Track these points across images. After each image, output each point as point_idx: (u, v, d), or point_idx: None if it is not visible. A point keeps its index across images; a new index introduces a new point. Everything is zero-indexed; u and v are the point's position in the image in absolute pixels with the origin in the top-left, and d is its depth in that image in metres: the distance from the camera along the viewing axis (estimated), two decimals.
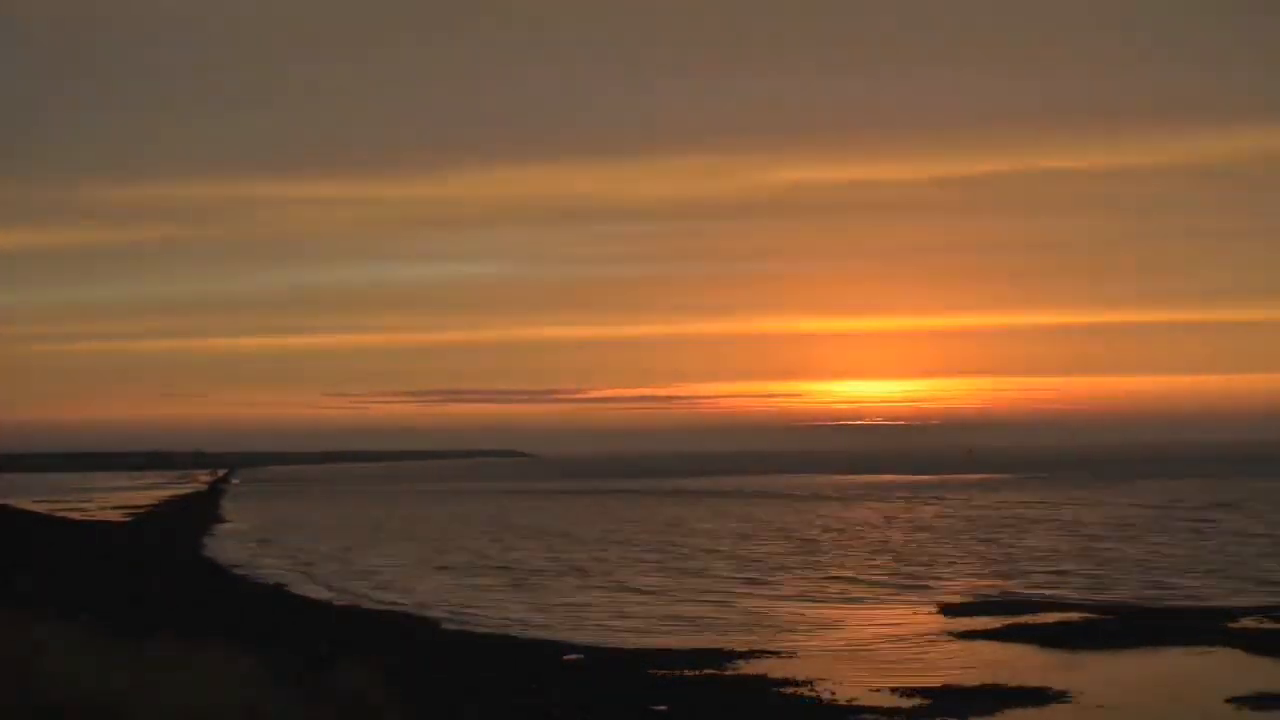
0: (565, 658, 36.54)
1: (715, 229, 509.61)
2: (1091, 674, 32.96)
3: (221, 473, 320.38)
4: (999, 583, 55.42)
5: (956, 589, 53.69)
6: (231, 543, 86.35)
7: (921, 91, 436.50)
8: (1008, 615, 43.99)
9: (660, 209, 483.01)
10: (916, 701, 29.74)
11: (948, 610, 46.23)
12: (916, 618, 44.70)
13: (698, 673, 33.44)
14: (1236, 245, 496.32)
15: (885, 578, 58.23)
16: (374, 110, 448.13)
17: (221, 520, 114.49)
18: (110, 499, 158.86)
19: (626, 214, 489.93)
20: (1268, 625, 40.50)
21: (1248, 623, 41.08)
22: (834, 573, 60.47)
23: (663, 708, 28.46)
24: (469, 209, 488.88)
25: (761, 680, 32.61)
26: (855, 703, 29.78)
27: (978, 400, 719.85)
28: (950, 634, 40.44)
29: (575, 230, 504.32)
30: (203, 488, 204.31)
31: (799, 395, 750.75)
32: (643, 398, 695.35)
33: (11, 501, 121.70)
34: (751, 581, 57.37)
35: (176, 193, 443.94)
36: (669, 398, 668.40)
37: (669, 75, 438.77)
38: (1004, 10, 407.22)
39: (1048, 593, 50.90)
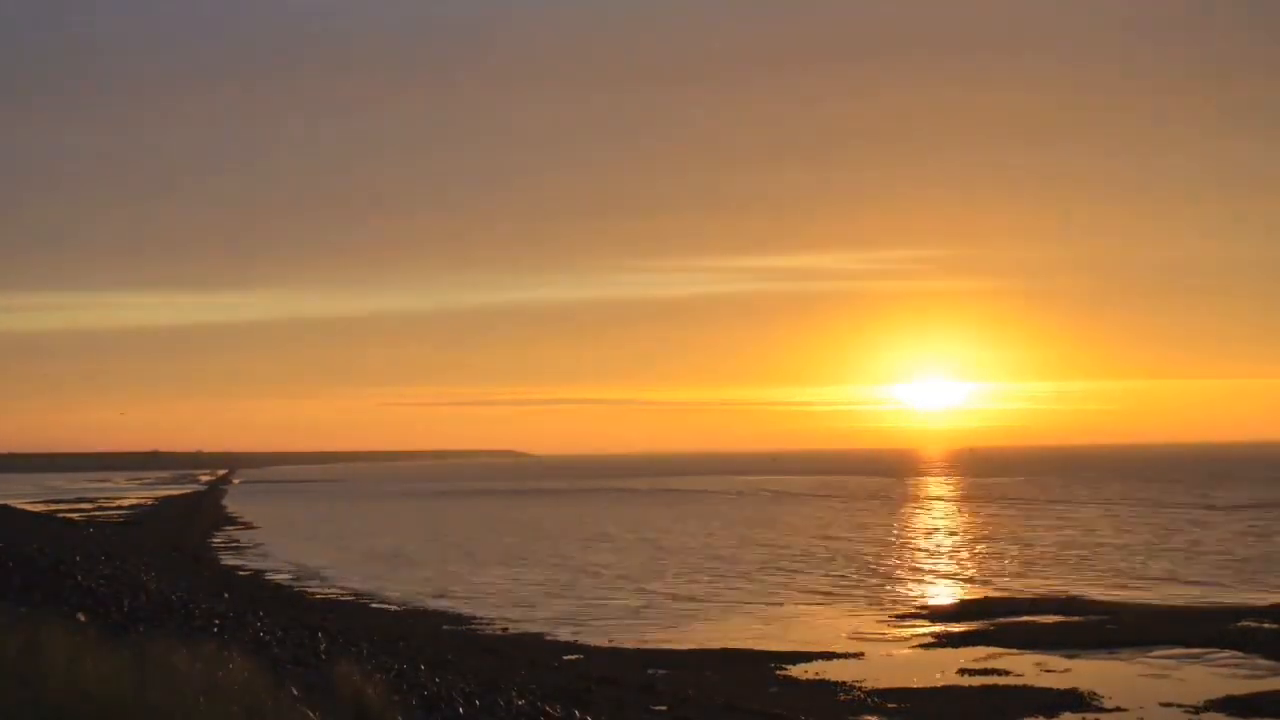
0: (565, 657, 36.54)
1: None
2: (1089, 675, 32.94)
3: (222, 473, 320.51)
4: (996, 583, 55.43)
5: (953, 590, 53.73)
6: (233, 541, 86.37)
7: None
8: (1005, 616, 44.00)
9: None
10: (916, 703, 29.73)
11: (946, 612, 46.24)
12: (915, 619, 44.67)
13: (697, 673, 33.45)
14: None
15: (881, 579, 58.25)
16: None
17: (223, 519, 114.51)
18: (109, 499, 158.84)
19: None
20: (1268, 625, 40.46)
21: (1248, 623, 41.04)
22: (828, 573, 60.47)
23: (662, 708, 28.45)
24: None
25: (761, 680, 32.61)
26: (855, 704, 29.79)
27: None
28: (949, 635, 40.42)
29: None
30: (202, 488, 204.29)
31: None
32: None
33: (10, 502, 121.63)
34: (747, 582, 57.35)
35: None
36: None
37: None
38: None
39: (1045, 593, 50.84)
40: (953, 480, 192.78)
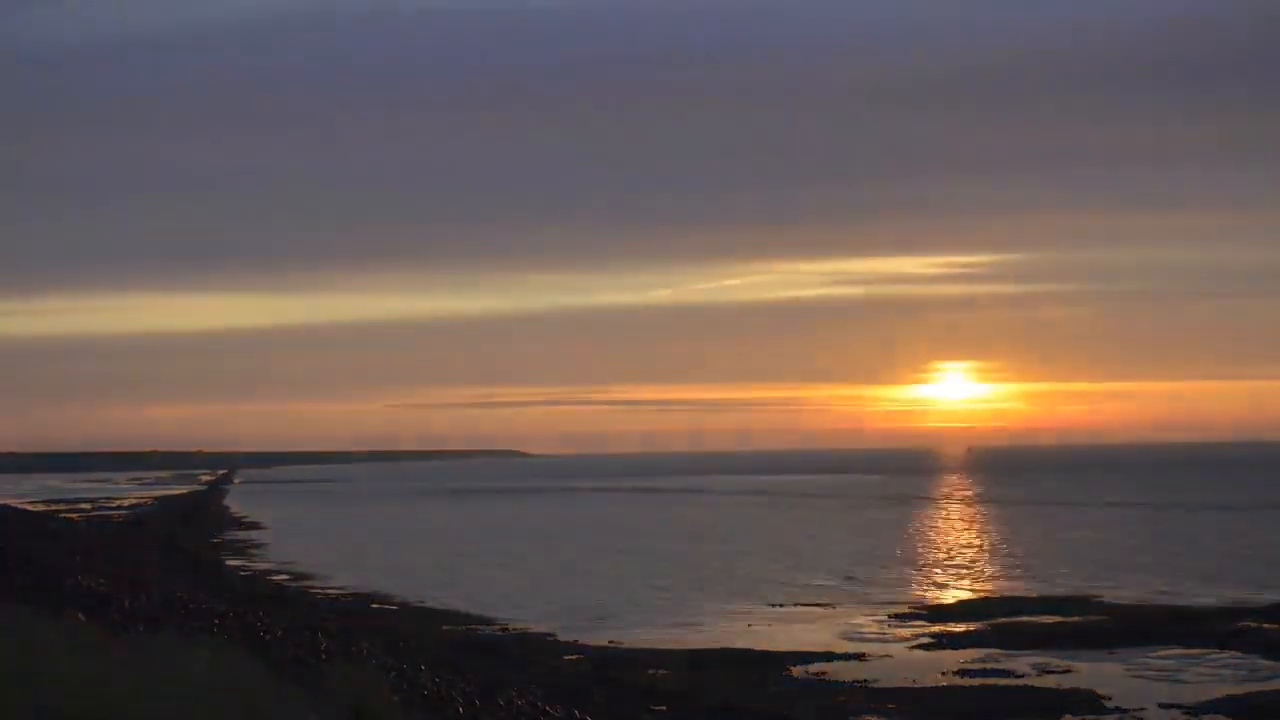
0: (565, 657, 36.55)
1: None
2: (1089, 675, 32.94)
3: (222, 472, 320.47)
4: (996, 583, 55.46)
5: (953, 590, 53.74)
6: (234, 541, 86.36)
7: None
8: (1005, 616, 44.00)
9: None
10: (916, 703, 29.73)
11: (946, 612, 46.24)
12: (915, 619, 44.64)
13: (697, 673, 33.44)
14: None
15: (882, 579, 58.24)
16: None
17: (224, 519, 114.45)
18: (109, 499, 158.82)
19: None
20: (1268, 625, 40.45)
21: (1248, 623, 41.03)
22: (829, 573, 60.46)
23: (662, 708, 28.47)
24: None
25: (761, 680, 32.60)
26: (855, 704, 29.77)
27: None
28: (949, 635, 40.42)
29: None
30: (203, 488, 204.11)
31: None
32: None
33: (10, 502, 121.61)
34: (745, 584, 57.36)
35: None
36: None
37: None
38: None
39: (1045, 593, 50.81)
40: (971, 481, 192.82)
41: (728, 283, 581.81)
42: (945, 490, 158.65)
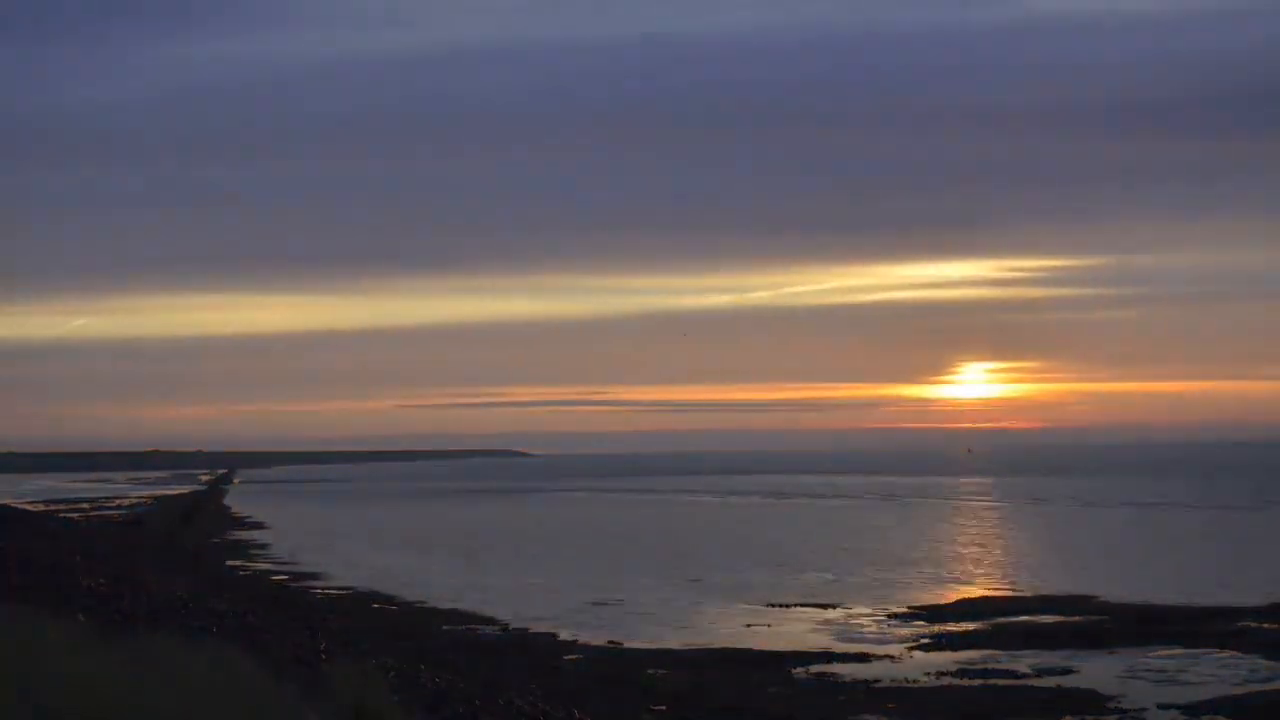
0: (565, 657, 36.55)
1: None
2: (1089, 675, 32.96)
3: (222, 472, 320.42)
4: (996, 583, 55.47)
5: (953, 589, 53.73)
6: (234, 541, 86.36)
7: None
8: (1005, 616, 44.01)
9: None
10: (916, 703, 29.73)
11: (945, 611, 46.24)
12: (915, 619, 44.65)
13: (697, 673, 33.46)
14: None
15: (882, 578, 58.26)
16: None
17: (224, 518, 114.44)
18: (109, 499, 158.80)
19: None
20: (1268, 625, 40.45)
21: (1248, 623, 41.03)
22: (829, 573, 60.48)
23: (662, 708, 28.47)
24: None
25: (761, 680, 32.61)
26: (855, 704, 29.78)
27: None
28: (949, 635, 40.42)
29: None
30: (202, 488, 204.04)
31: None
32: None
33: (10, 502, 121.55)
34: (745, 584, 57.37)
35: None
36: None
37: None
38: None
39: (1045, 593, 50.82)
40: (980, 480, 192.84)
41: (754, 294, 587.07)
42: (954, 489, 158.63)
